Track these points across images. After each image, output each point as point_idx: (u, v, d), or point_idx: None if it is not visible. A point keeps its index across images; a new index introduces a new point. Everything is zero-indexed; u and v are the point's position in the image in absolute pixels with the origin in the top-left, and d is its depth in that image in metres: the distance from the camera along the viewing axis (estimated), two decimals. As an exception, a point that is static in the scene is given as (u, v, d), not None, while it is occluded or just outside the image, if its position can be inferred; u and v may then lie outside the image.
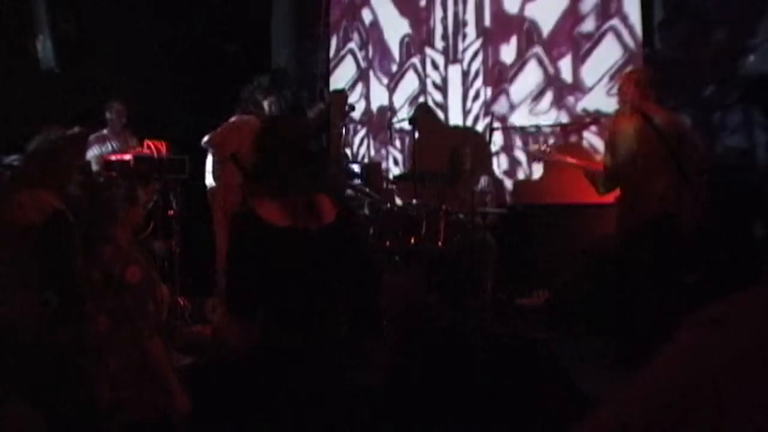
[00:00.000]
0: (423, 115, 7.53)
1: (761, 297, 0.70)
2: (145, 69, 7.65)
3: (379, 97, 8.10)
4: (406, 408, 3.66)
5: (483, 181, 6.61)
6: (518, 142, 7.20)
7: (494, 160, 7.29)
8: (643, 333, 4.39)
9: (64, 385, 3.03)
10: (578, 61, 6.82)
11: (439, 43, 7.69)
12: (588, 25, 6.78)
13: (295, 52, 8.75)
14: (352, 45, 8.30)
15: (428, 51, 7.74)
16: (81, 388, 2.98)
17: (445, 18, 7.63)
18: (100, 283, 3.01)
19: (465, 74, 7.52)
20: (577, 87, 6.84)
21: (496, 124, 7.07)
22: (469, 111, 7.51)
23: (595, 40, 6.74)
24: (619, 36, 6.62)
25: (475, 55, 7.45)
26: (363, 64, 8.23)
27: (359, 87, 8.26)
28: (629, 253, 4.81)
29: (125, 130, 7.02)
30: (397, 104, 7.96)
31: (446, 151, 6.80)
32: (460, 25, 7.53)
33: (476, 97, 7.46)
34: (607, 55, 6.66)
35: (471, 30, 7.48)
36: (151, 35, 7.83)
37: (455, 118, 7.62)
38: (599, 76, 6.71)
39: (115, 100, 6.95)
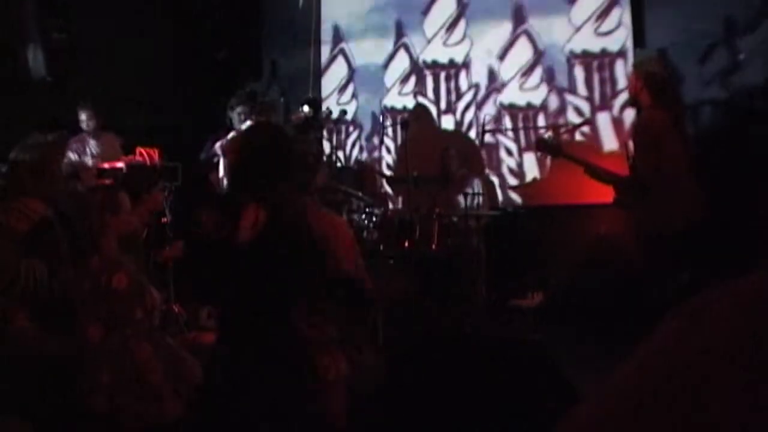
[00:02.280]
0: (417, 117, 7.55)
1: (743, 288, 0.71)
2: (137, 77, 7.65)
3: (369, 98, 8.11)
4: (402, 412, 3.66)
5: (475, 183, 6.62)
6: (512, 145, 7.21)
7: (486, 163, 7.30)
8: (642, 334, 4.33)
9: (57, 397, 3.02)
10: (567, 3, 6.91)
11: (431, 95, 7.73)
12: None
13: (287, 55, 8.74)
14: (343, 45, 8.29)
15: (420, 99, 7.76)
16: (74, 398, 2.97)
17: (437, 88, 7.68)
18: (90, 293, 3.00)
19: (458, 125, 7.56)
20: (567, 30, 6.92)
21: (488, 127, 7.08)
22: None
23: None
24: None
25: (468, 107, 7.48)
26: (354, 63, 8.23)
27: (351, 87, 8.26)
28: (655, 261, 4.47)
29: (105, 132, 6.94)
30: (388, 84, 7.95)
31: (437, 154, 6.81)
32: (452, 89, 7.59)
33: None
34: None
35: (463, 86, 7.53)
36: (142, 43, 7.82)
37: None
38: (587, 17, 6.79)
39: (82, 108, 6.86)
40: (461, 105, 7.54)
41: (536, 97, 7.04)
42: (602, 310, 5.48)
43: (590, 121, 6.61)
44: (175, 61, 8.09)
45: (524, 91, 7.10)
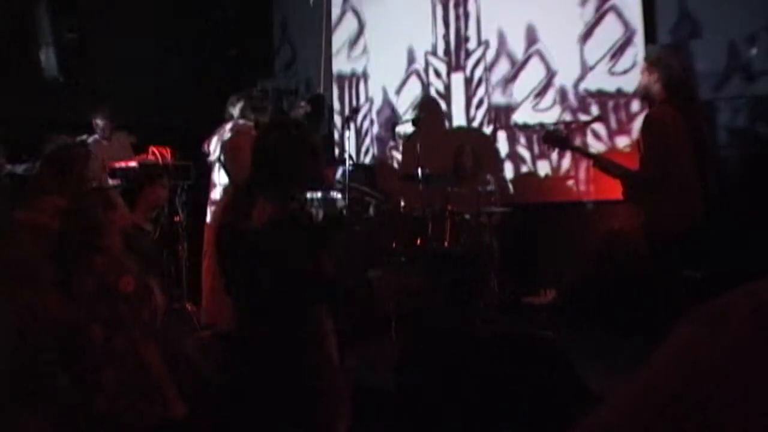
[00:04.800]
0: (428, 111, 7.54)
1: (764, 292, 0.69)
2: (148, 76, 7.68)
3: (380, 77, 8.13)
4: (415, 408, 3.66)
5: (488, 180, 6.60)
6: (522, 139, 7.18)
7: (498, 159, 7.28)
8: (655, 331, 4.28)
9: (60, 395, 3.03)
10: (579, 41, 6.78)
11: (441, 51, 7.69)
12: (589, 6, 6.74)
13: (298, 53, 8.77)
14: (353, 2, 8.30)
15: (431, 59, 7.74)
16: (77, 397, 2.98)
17: (447, 34, 7.64)
18: (93, 293, 3.01)
19: (468, 82, 7.52)
20: (580, 68, 6.80)
21: (500, 123, 7.07)
22: (473, 119, 7.49)
23: (596, 19, 6.70)
24: (619, 14, 6.59)
25: (478, 62, 7.45)
26: (364, 18, 8.21)
27: (361, 43, 8.25)
28: (662, 259, 4.38)
29: (117, 131, 6.99)
30: (401, 110, 7.95)
31: (449, 151, 6.80)
32: (462, 40, 7.54)
33: (479, 104, 7.45)
34: (608, 34, 6.63)
35: (473, 40, 7.48)
36: (154, 42, 7.85)
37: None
38: (601, 56, 6.67)
39: (97, 116, 6.90)
40: (471, 62, 7.50)
41: (549, 118, 6.94)
42: (615, 308, 5.46)
43: (602, 118, 6.55)
44: (187, 60, 8.11)
45: (537, 112, 7.03)
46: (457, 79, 7.59)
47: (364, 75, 8.23)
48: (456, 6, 7.57)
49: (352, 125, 7.94)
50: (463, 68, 7.55)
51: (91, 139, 6.88)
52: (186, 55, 8.11)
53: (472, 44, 7.48)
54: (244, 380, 2.84)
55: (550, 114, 6.94)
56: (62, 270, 3.08)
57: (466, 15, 7.51)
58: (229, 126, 5.86)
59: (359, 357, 4.93)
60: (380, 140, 8.13)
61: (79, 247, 3.09)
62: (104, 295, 3.00)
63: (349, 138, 7.69)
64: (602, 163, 4.75)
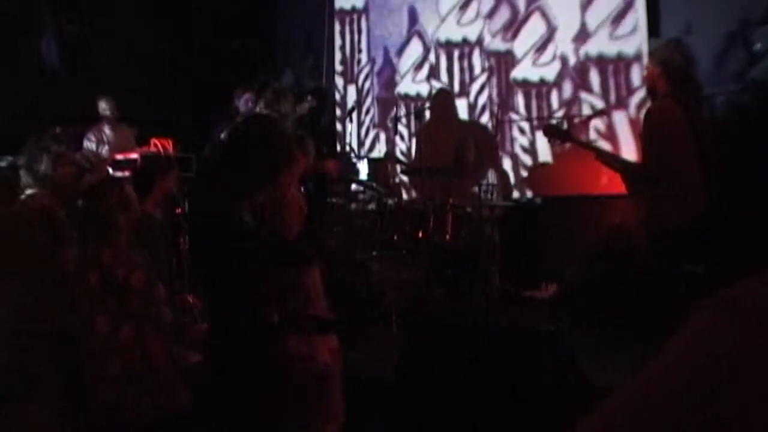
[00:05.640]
0: (434, 106, 7.53)
1: None
2: (150, 68, 7.67)
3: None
4: (415, 401, 3.66)
5: (489, 174, 6.59)
6: (521, 99, 7.16)
7: (500, 153, 7.26)
8: (656, 326, 4.30)
9: (63, 385, 3.04)
10: (581, 6, 6.77)
11: (444, 77, 7.68)
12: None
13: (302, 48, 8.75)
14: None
15: (434, 83, 7.73)
16: (81, 388, 2.99)
17: (450, 66, 7.63)
18: (98, 285, 3.01)
19: (472, 108, 7.51)
20: (581, 33, 6.79)
21: (499, 112, 7.05)
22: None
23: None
24: None
25: (482, 89, 7.43)
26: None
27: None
28: (660, 253, 4.37)
29: (121, 123, 6.99)
30: (402, 70, 7.95)
31: (451, 144, 6.78)
32: (466, 70, 7.54)
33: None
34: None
35: (476, 65, 7.48)
36: (155, 34, 7.84)
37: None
38: (601, 20, 6.65)
39: (101, 98, 6.88)
40: (475, 87, 7.49)
41: (550, 73, 6.94)
42: (616, 302, 5.46)
43: (606, 112, 6.53)
44: (189, 52, 8.10)
45: (537, 67, 7.02)
46: (461, 106, 7.59)
47: (365, 10, 8.23)
48: (460, 58, 7.58)
49: (354, 117, 7.93)
50: (466, 94, 7.54)
51: (94, 128, 6.87)
52: (188, 47, 8.10)
53: (476, 69, 7.48)
54: (224, 375, 2.80)
55: (550, 68, 6.93)
56: (57, 263, 3.09)
57: (471, 68, 7.51)
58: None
59: (359, 350, 4.93)
60: (380, 101, 8.09)
61: (85, 239, 3.10)
62: (112, 289, 3.01)
63: (351, 132, 7.69)
64: (604, 156, 4.75)
